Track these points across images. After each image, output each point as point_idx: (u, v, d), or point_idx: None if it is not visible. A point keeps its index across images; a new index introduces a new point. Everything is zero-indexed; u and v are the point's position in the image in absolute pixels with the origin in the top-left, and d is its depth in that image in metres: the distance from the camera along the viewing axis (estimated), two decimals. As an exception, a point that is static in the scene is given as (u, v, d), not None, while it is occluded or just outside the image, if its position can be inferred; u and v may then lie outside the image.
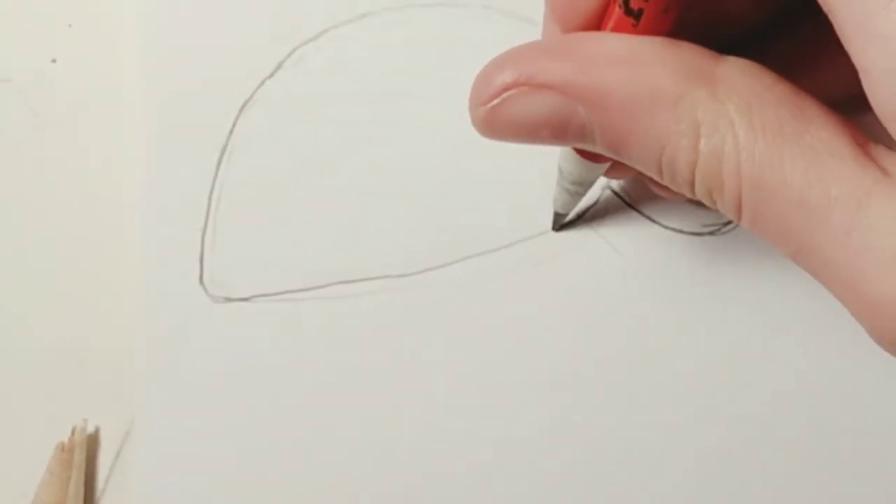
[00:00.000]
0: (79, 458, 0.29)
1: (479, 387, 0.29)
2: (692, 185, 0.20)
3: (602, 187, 0.31)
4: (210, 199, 0.30)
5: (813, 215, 0.18)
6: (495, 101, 0.21)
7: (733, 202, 0.19)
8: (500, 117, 0.21)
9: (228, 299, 0.30)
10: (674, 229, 0.30)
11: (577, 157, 0.25)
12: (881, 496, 0.28)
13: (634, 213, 0.30)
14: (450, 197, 0.31)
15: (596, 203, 0.30)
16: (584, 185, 0.27)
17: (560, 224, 0.29)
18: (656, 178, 0.20)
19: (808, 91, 0.19)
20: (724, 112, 0.19)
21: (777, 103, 0.19)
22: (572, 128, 0.20)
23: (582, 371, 0.29)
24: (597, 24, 0.22)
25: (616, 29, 0.21)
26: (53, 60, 0.32)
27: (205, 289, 0.30)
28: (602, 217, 0.30)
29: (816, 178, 0.18)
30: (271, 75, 0.31)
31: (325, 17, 0.31)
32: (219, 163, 0.31)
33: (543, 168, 0.31)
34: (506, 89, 0.21)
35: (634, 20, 0.20)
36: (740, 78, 0.19)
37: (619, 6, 0.20)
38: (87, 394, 0.30)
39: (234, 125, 0.31)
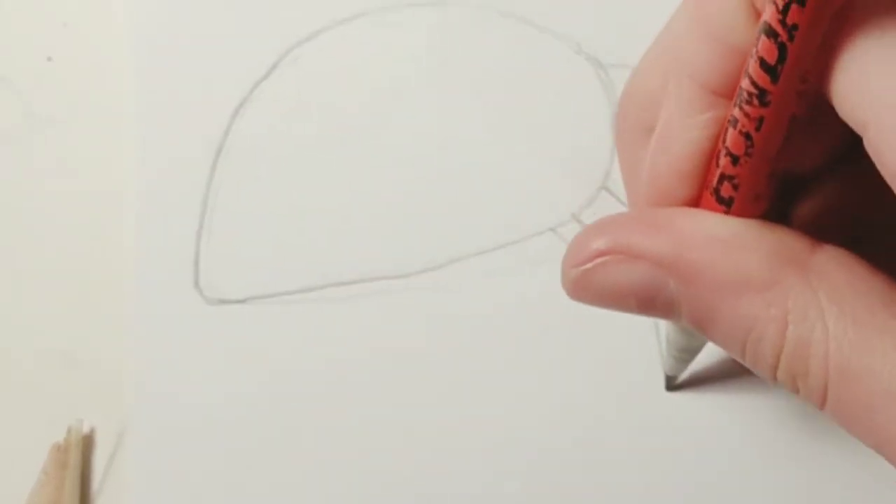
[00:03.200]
0: (74, 458, 0.29)
1: (477, 388, 0.29)
2: (775, 370, 0.20)
3: (598, 187, 0.30)
4: (205, 200, 0.30)
5: None
6: (588, 266, 0.21)
7: (818, 390, 0.19)
8: (591, 281, 0.21)
9: (223, 301, 0.30)
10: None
11: (681, 329, 0.25)
12: None
13: (632, 215, 0.30)
14: (446, 198, 0.30)
15: (592, 204, 0.30)
16: (691, 352, 0.27)
17: (672, 385, 0.29)
18: (738, 359, 0.21)
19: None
20: (815, 300, 0.19)
21: (869, 293, 0.19)
22: (660, 300, 0.21)
23: (582, 371, 0.29)
24: (692, 204, 0.22)
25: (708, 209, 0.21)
26: (49, 59, 0.32)
27: (200, 291, 0.30)
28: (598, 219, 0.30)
29: None
30: (267, 76, 0.31)
31: (322, 18, 0.31)
32: (214, 164, 0.31)
33: (543, 168, 0.31)
34: (600, 255, 0.21)
35: (726, 208, 0.21)
36: (834, 267, 0.19)
37: (711, 193, 0.21)
38: (82, 394, 0.30)
39: (229, 126, 0.31)
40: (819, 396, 0.19)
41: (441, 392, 0.29)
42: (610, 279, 0.21)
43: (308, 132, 0.31)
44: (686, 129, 0.21)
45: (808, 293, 0.19)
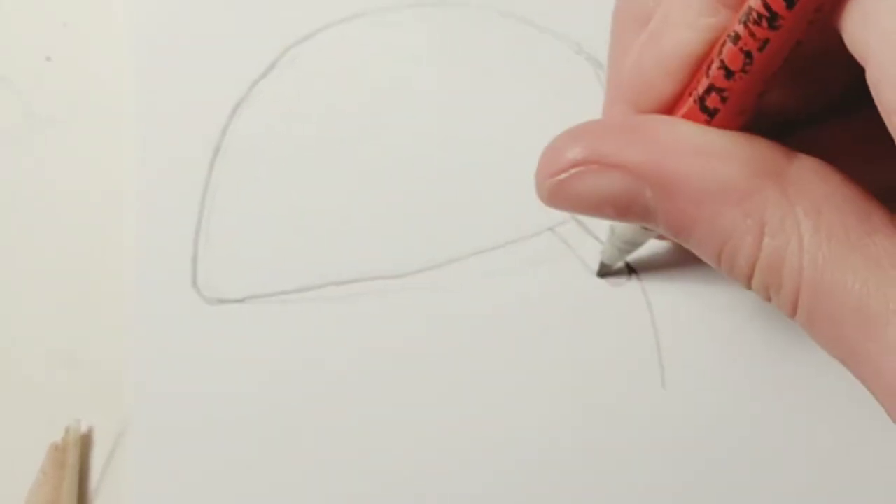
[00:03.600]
0: (72, 458, 0.29)
1: (476, 388, 0.29)
2: (749, 279, 0.20)
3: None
4: (203, 199, 0.30)
5: (869, 325, 0.18)
6: (563, 176, 0.21)
7: (790, 302, 0.19)
8: (567, 191, 0.21)
9: (222, 301, 0.30)
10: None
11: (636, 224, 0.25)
12: None
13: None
14: (444, 197, 0.30)
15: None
16: (635, 244, 0.27)
17: (604, 272, 0.29)
18: (713, 266, 0.21)
19: (865, 176, 0.20)
20: (792, 213, 0.19)
21: (845, 207, 0.19)
22: (636, 208, 0.21)
23: (582, 371, 0.29)
24: (669, 110, 0.22)
25: (688, 118, 0.21)
26: (48, 59, 0.32)
27: (198, 290, 0.30)
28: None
29: (877, 288, 0.18)
30: (265, 75, 0.31)
31: (319, 17, 0.31)
32: (212, 163, 0.31)
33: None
34: (575, 165, 0.21)
35: (708, 117, 0.21)
36: (812, 178, 0.19)
37: (695, 101, 0.21)
38: (80, 394, 0.30)
39: (227, 125, 0.31)
40: (790, 307, 0.20)
41: (440, 392, 0.29)
42: (586, 188, 0.21)
43: (307, 132, 0.31)
44: (683, 29, 0.21)
45: (785, 205, 0.19)
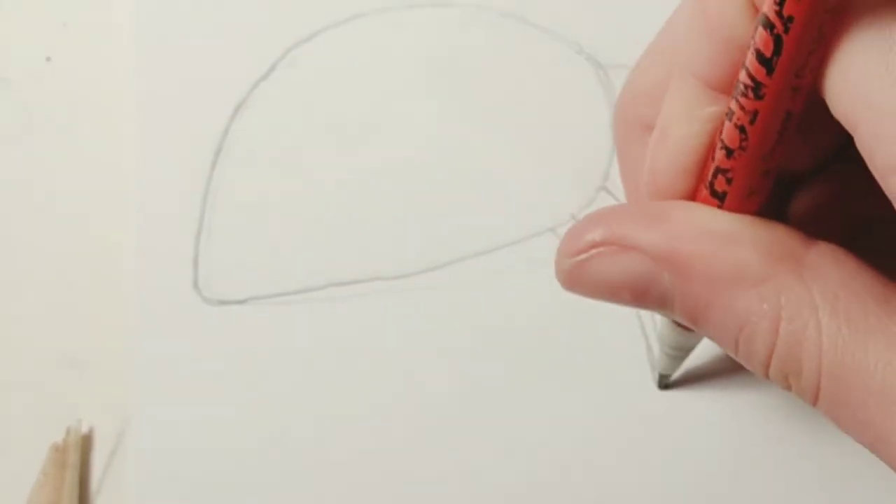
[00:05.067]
0: (73, 458, 0.29)
1: (475, 389, 0.29)
2: (767, 367, 0.20)
3: (597, 188, 0.30)
4: (204, 200, 0.30)
5: (894, 407, 0.18)
6: (582, 257, 0.21)
7: (811, 388, 0.19)
8: (585, 273, 0.21)
9: (223, 302, 0.30)
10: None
11: (675, 326, 0.25)
12: None
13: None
14: (445, 198, 0.30)
15: (591, 205, 0.30)
16: (685, 350, 0.27)
17: (665, 384, 0.29)
18: (731, 354, 0.20)
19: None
20: (809, 297, 0.19)
21: (863, 291, 0.19)
22: (653, 293, 0.21)
23: (581, 371, 0.29)
24: (688, 198, 0.22)
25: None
26: (48, 59, 0.32)
27: (199, 291, 0.30)
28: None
29: None
30: (265, 76, 0.31)
31: (320, 18, 0.31)
32: (213, 164, 0.31)
33: (542, 168, 0.31)
34: (594, 247, 0.21)
35: (719, 202, 0.21)
36: (828, 264, 0.19)
37: (706, 187, 0.21)
38: (81, 394, 0.30)
39: (228, 127, 0.31)
40: (812, 394, 0.19)
41: (440, 392, 0.29)
42: (604, 271, 0.21)
43: (307, 133, 0.31)
44: (687, 124, 0.21)
45: (801, 290, 0.19)
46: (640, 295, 0.21)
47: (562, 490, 0.28)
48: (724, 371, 0.29)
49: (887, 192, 0.18)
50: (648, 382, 0.29)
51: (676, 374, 0.29)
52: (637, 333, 0.29)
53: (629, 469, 0.28)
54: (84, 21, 0.32)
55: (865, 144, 0.18)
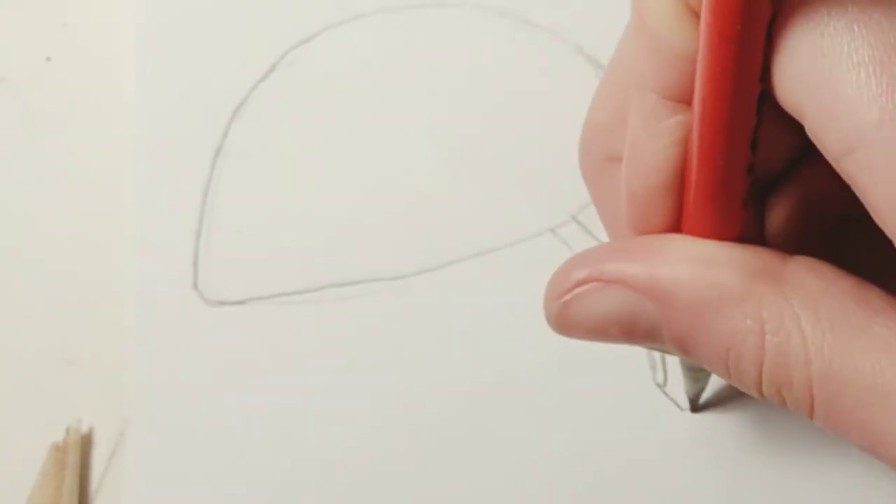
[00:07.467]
0: (73, 458, 0.29)
1: (476, 389, 0.29)
2: (760, 385, 0.20)
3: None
4: (204, 201, 0.30)
5: (888, 402, 0.18)
6: (567, 297, 0.21)
7: (804, 398, 0.19)
8: (571, 313, 0.21)
9: (222, 302, 0.30)
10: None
11: None
12: None
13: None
14: (445, 199, 0.30)
15: (591, 205, 0.30)
16: (702, 370, 0.27)
17: (697, 407, 0.29)
18: (724, 378, 0.21)
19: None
20: (789, 307, 0.19)
21: (842, 296, 0.19)
22: (641, 325, 0.21)
23: (581, 372, 0.29)
24: (674, 224, 0.22)
25: (687, 222, 0.21)
26: (48, 59, 0.32)
27: (199, 292, 0.30)
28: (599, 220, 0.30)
29: (889, 365, 0.18)
30: (265, 78, 0.31)
31: (319, 19, 0.31)
32: (213, 165, 0.31)
33: (542, 169, 0.31)
34: (578, 285, 0.21)
35: (699, 224, 0.21)
36: (806, 275, 0.19)
37: (686, 207, 0.21)
38: (81, 394, 0.30)
39: (227, 127, 0.31)
40: (806, 404, 0.19)
41: (440, 393, 0.29)
42: (590, 307, 0.21)
43: (307, 134, 0.31)
44: (654, 139, 0.21)
45: (782, 302, 0.19)
46: (629, 329, 0.21)
47: (562, 490, 0.28)
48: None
49: (843, 176, 0.18)
50: (650, 382, 0.29)
51: (706, 397, 0.28)
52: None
53: (629, 469, 0.28)
54: (84, 21, 0.32)
55: (814, 131, 0.18)
